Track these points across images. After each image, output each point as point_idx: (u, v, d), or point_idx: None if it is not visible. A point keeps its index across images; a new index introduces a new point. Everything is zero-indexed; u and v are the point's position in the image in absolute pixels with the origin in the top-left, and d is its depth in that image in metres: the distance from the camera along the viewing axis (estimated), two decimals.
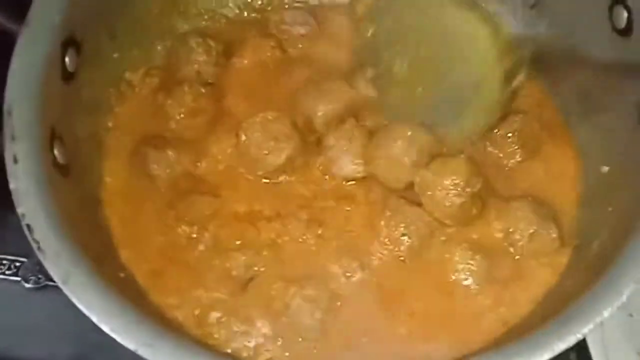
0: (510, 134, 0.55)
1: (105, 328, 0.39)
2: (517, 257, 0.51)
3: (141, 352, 0.38)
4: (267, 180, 0.54)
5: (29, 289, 0.60)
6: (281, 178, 0.54)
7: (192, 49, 0.57)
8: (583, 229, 0.52)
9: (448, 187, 0.50)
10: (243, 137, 0.53)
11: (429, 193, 0.51)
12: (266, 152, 0.53)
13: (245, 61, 0.59)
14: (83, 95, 0.51)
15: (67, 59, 0.49)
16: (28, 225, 0.41)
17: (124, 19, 0.56)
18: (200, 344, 0.45)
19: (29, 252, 0.60)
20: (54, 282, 0.58)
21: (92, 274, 0.41)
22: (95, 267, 0.42)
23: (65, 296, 0.58)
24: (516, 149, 0.55)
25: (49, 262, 0.41)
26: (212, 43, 0.58)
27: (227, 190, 0.54)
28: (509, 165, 0.55)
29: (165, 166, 0.53)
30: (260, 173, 0.54)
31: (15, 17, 0.49)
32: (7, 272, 0.60)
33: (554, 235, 0.51)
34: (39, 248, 0.41)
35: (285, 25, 0.60)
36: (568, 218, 0.53)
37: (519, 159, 0.55)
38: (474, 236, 0.52)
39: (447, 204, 0.50)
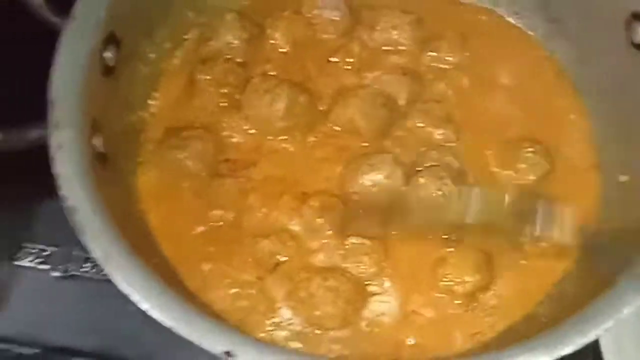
0: None
1: (144, 306, 0.41)
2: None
3: (178, 329, 0.40)
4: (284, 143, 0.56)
5: (56, 277, 0.61)
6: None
7: (228, 22, 0.60)
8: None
9: None
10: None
11: None
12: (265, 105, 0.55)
13: (277, 39, 0.61)
14: (120, 90, 0.53)
15: (107, 55, 0.51)
16: (71, 208, 0.43)
17: (161, 19, 0.58)
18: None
19: (57, 242, 0.62)
20: (81, 271, 0.62)
21: (130, 254, 0.42)
22: (134, 249, 0.43)
23: (92, 286, 0.61)
24: None
25: (90, 242, 0.42)
26: (247, 23, 0.60)
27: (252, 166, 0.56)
28: None
29: (194, 156, 0.55)
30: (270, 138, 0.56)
31: (60, 11, 0.51)
32: (35, 261, 0.62)
33: None
34: (81, 229, 0.43)
35: (317, 9, 0.62)
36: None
37: None
38: None
39: None
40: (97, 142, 0.48)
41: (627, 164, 0.55)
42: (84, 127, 0.47)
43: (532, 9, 0.63)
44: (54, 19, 0.51)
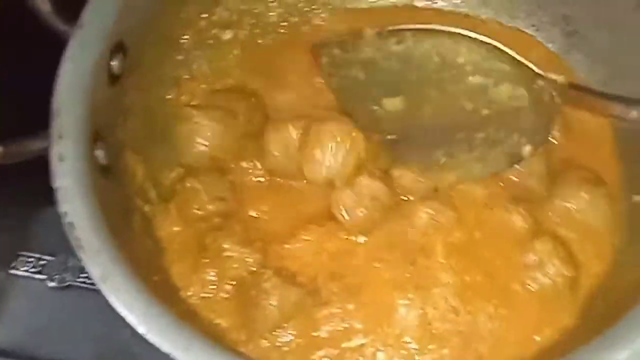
0: None
1: (142, 329, 0.39)
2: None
3: (175, 355, 0.39)
4: None
5: (53, 287, 0.60)
6: None
7: None
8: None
9: None
10: None
11: None
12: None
13: None
14: (126, 100, 0.52)
15: (114, 63, 0.49)
16: (70, 224, 0.42)
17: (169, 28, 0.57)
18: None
19: (54, 251, 0.61)
20: (78, 281, 0.60)
21: (130, 274, 0.41)
22: (133, 268, 0.42)
23: (88, 296, 0.60)
24: None
25: (89, 260, 0.41)
26: None
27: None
28: None
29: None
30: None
31: (68, 18, 0.50)
32: (31, 270, 0.61)
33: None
34: (79, 246, 0.41)
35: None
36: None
37: None
38: None
39: None
40: (100, 153, 0.47)
41: None
42: (88, 138, 0.45)
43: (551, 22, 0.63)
44: (62, 27, 0.50)
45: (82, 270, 0.60)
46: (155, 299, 0.41)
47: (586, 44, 0.60)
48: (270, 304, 0.48)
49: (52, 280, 0.60)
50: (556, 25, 0.62)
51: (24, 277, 0.60)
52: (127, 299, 0.40)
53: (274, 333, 0.49)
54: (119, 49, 0.50)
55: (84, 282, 0.60)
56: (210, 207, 0.53)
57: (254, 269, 0.51)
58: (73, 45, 0.47)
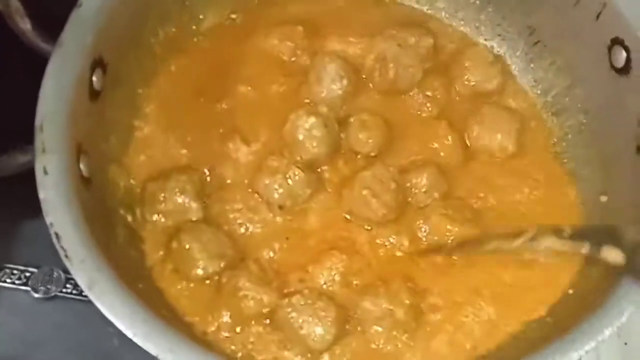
0: None
1: (129, 333, 0.41)
2: None
3: (162, 357, 0.40)
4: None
5: (38, 299, 0.61)
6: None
7: None
8: None
9: None
10: None
11: None
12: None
13: None
14: (107, 114, 0.54)
15: (94, 79, 0.51)
16: (56, 234, 0.43)
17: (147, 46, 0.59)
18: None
19: (39, 263, 0.62)
20: (62, 292, 0.62)
21: (115, 280, 0.43)
22: (118, 275, 0.43)
23: (74, 307, 0.61)
24: None
25: (75, 268, 0.42)
26: None
27: None
28: None
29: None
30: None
31: (48, 37, 0.52)
32: (17, 282, 0.62)
33: None
34: (65, 255, 0.43)
35: None
36: None
37: None
38: None
39: None
40: (83, 166, 0.48)
41: (606, 185, 0.57)
42: (71, 151, 0.47)
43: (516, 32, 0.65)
44: (42, 45, 0.51)
45: (67, 281, 0.62)
46: (141, 304, 0.42)
47: (549, 53, 0.63)
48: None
49: (37, 291, 0.61)
50: (521, 35, 0.65)
51: (9, 288, 0.61)
52: (113, 304, 0.42)
53: None
54: (98, 64, 0.51)
55: (69, 293, 0.62)
56: (210, 267, 0.52)
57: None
58: (54, 62, 0.49)
